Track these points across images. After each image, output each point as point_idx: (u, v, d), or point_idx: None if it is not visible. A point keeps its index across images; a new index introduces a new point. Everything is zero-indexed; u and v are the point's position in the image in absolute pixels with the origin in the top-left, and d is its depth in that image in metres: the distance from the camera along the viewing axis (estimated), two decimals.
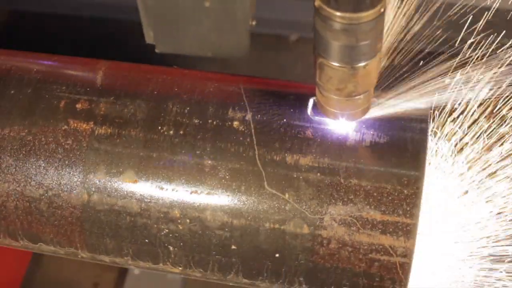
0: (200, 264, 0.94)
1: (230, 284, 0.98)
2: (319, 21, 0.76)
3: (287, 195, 0.88)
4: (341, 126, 0.90)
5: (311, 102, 0.92)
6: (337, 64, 0.80)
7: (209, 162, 0.89)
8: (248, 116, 0.91)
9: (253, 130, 0.90)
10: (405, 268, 0.88)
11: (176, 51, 0.80)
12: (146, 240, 0.93)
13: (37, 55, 1.03)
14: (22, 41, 3.12)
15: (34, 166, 0.92)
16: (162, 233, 0.92)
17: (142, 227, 0.92)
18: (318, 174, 0.87)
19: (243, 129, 0.90)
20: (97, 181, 0.91)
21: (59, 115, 0.93)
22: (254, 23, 0.77)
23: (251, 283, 0.95)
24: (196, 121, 0.91)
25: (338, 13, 0.73)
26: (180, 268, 0.95)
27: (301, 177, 0.88)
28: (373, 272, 0.88)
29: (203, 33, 0.76)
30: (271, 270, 0.92)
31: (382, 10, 0.74)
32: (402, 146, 0.88)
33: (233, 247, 0.91)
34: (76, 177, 0.92)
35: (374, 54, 0.80)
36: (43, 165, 0.92)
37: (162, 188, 0.90)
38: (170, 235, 0.91)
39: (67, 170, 0.92)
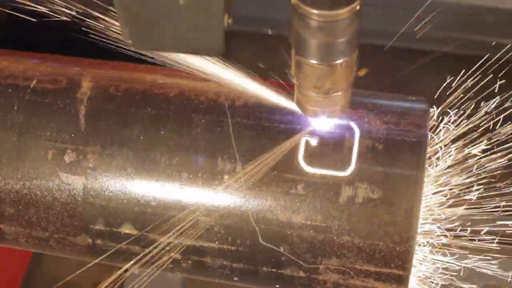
0: (204, 280, 1.01)
1: (232, 284, 1.01)
2: (296, 19, 0.76)
3: (281, 249, 0.90)
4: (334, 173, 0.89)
5: (301, 149, 0.92)
6: (314, 62, 0.81)
7: (203, 218, 0.92)
8: (238, 168, 0.91)
9: (243, 186, 0.91)
10: None
11: (152, 49, 0.80)
12: (152, 266, 0.98)
13: (15, 72, 1.00)
14: (22, 41, 3.12)
15: (36, 216, 0.95)
16: (167, 266, 0.98)
17: (147, 262, 0.98)
18: (311, 231, 0.89)
19: (233, 184, 0.91)
20: (98, 230, 0.95)
21: (48, 169, 0.94)
22: (230, 21, 0.76)
23: None
24: (185, 175, 0.91)
25: (315, 11, 0.74)
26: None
27: (294, 234, 0.89)
28: None
29: (178, 30, 0.76)
30: None
31: (358, 7, 0.74)
32: (396, 202, 0.88)
33: (235, 278, 0.95)
34: (77, 226, 0.94)
35: (352, 51, 0.81)
36: (43, 215, 0.94)
37: (160, 240, 0.94)
38: (175, 268, 0.97)
39: (68, 220, 0.95)
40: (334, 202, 0.88)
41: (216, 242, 0.92)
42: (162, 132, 0.93)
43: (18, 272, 2.60)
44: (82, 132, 0.94)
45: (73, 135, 0.94)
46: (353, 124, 0.92)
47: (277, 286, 0.94)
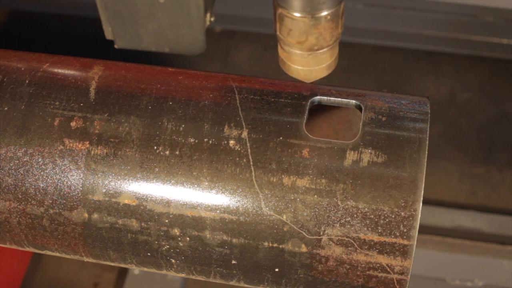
0: (202, 273, 0.95)
1: (231, 284, 0.99)
2: None
3: (284, 217, 0.87)
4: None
5: (306, 119, 0.91)
6: (297, 14, 0.77)
7: (206, 183, 0.89)
8: (244, 134, 0.89)
9: (249, 150, 0.89)
10: (402, 284, 0.88)
11: (135, 47, 0.80)
12: (148, 254, 0.93)
13: (29, 59, 1.01)
14: (22, 41, 3.12)
15: (33, 186, 0.92)
16: (164, 248, 0.92)
17: (143, 243, 0.92)
18: (315, 196, 0.87)
19: (239, 149, 0.89)
20: (96, 201, 0.91)
21: (54, 134, 0.92)
22: (212, 19, 0.76)
23: None
24: (191, 140, 0.90)
25: None
26: (183, 275, 0.96)
27: (298, 199, 0.87)
28: (371, 286, 0.89)
29: (159, 28, 0.76)
30: (272, 280, 0.93)
31: None
32: (400, 166, 0.86)
33: (234, 262, 0.91)
34: (75, 197, 0.91)
35: (336, 3, 0.77)
36: (41, 185, 0.92)
37: (160, 209, 0.90)
38: (171, 250, 0.92)
39: (66, 190, 0.91)
40: (339, 165, 0.86)
41: (218, 212, 0.89)
42: (171, 103, 0.93)
43: (18, 272, 2.60)
44: (91, 102, 0.93)
45: (81, 104, 0.93)
46: (356, 101, 0.92)
47: (276, 269, 0.90)
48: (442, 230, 2.64)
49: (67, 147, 0.91)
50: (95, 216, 0.91)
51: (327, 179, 0.87)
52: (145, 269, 0.97)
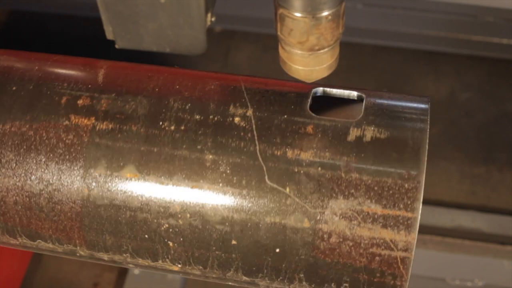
0: (199, 261, 0.94)
1: (230, 284, 0.98)
2: None
3: (288, 189, 0.87)
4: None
5: (310, 97, 0.93)
6: (298, 15, 0.78)
7: (210, 157, 0.89)
8: (249, 112, 0.90)
9: (254, 126, 0.89)
10: (406, 263, 0.87)
11: (136, 47, 0.80)
12: (146, 236, 0.92)
13: (38, 55, 1.04)
14: (22, 41, 3.12)
15: (34, 161, 0.92)
16: (162, 228, 0.91)
17: (142, 222, 0.91)
18: (319, 168, 0.87)
19: (244, 125, 0.89)
20: (98, 176, 0.91)
21: (60, 111, 0.93)
22: (213, 19, 0.77)
23: (250, 281, 0.95)
24: (197, 117, 0.91)
25: None
26: (179, 266, 0.95)
27: (302, 172, 0.87)
28: (374, 267, 0.88)
29: (160, 28, 0.76)
30: (271, 266, 0.91)
31: None
32: (403, 142, 0.88)
33: (233, 242, 0.90)
34: (76, 172, 0.92)
35: (337, 3, 0.77)
36: (43, 160, 0.92)
37: (162, 183, 0.90)
38: (170, 230, 0.91)
39: (68, 164, 0.92)
40: (342, 140, 0.88)
41: (220, 185, 0.89)
42: (177, 86, 0.95)
43: (18, 272, 2.61)
44: (99, 84, 0.95)
45: (89, 86, 0.95)
46: (358, 91, 0.94)
47: (277, 250, 0.89)
48: (442, 230, 2.64)
49: (73, 123, 0.92)
50: (95, 192, 0.91)
51: (331, 152, 0.87)
52: (140, 260, 0.96)
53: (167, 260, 0.95)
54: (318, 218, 0.87)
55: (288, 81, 0.98)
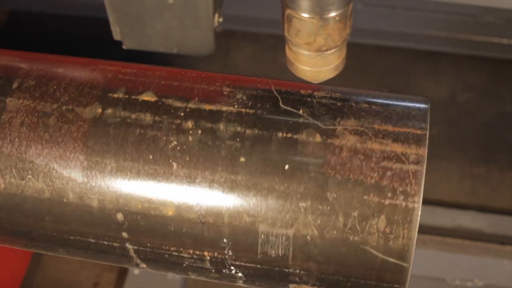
0: (205, 172, 0.91)
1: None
2: None
3: (301, 111, 0.89)
4: None
5: None
6: (306, 15, 0.78)
7: (227, 89, 0.92)
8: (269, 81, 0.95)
9: (271, 82, 0.94)
10: (418, 177, 0.85)
11: (143, 48, 0.80)
12: (150, 156, 0.89)
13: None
14: (22, 41, 3.12)
15: (54, 87, 0.94)
16: (169, 146, 0.89)
17: (150, 140, 0.89)
18: (331, 100, 0.91)
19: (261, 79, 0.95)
20: (116, 98, 0.92)
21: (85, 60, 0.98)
22: (221, 20, 0.77)
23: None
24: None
25: None
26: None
27: (314, 101, 0.90)
28: (385, 184, 0.85)
29: (167, 29, 0.76)
30: (278, 190, 0.88)
31: None
32: (408, 96, 0.94)
33: (242, 159, 0.88)
34: (94, 96, 0.92)
35: (345, 3, 0.77)
36: (63, 86, 0.94)
37: (179, 104, 0.92)
38: (178, 147, 0.89)
39: (87, 90, 0.93)
40: (353, 89, 0.94)
41: (236, 106, 0.91)
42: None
43: (18, 272, 2.61)
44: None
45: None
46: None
47: (287, 166, 0.88)
48: (442, 230, 2.64)
49: (97, 67, 0.97)
50: (109, 111, 0.91)
51: (342, 93, 0.92)
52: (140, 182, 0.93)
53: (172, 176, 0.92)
54: (329, 133, 0.88)
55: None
